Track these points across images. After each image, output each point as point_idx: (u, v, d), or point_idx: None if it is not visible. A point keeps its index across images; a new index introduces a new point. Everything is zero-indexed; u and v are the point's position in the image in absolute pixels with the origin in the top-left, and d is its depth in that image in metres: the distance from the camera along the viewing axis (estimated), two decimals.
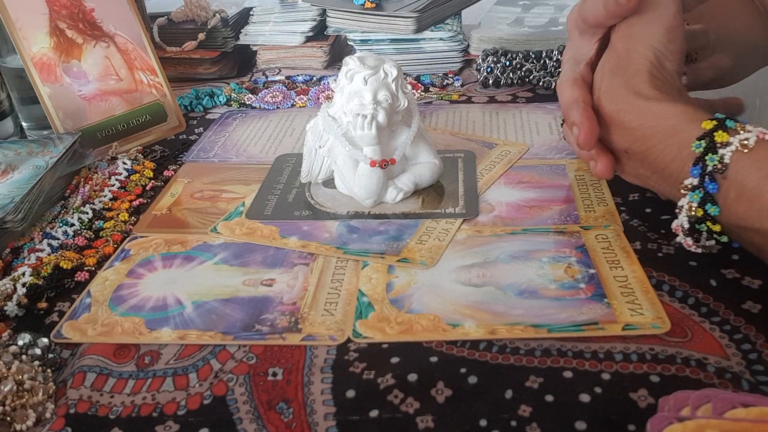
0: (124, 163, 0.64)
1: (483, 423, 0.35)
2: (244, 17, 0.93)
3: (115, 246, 0.52)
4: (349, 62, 0.53)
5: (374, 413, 0.36)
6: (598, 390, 0.36)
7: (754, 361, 0.37)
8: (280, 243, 0.51)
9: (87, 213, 0.57)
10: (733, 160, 0.41)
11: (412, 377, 0.38)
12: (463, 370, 0.38)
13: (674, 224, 0.45)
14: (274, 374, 0.39)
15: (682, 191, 0.43)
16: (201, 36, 0.88)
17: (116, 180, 0.61)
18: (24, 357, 0.40)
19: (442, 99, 0.76)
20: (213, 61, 0.88)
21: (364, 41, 0.86)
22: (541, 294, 0.44)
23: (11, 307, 0.46)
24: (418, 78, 0.81)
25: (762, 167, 0.40)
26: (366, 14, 0.84)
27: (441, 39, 0.84)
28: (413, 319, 0.42)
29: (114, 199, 0.59)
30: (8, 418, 0.36)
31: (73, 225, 0.55)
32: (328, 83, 0.81)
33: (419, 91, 0.78)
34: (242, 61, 0.92)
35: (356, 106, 0.52)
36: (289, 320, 0.43)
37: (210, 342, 0.42)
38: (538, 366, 0.38)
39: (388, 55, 0.71)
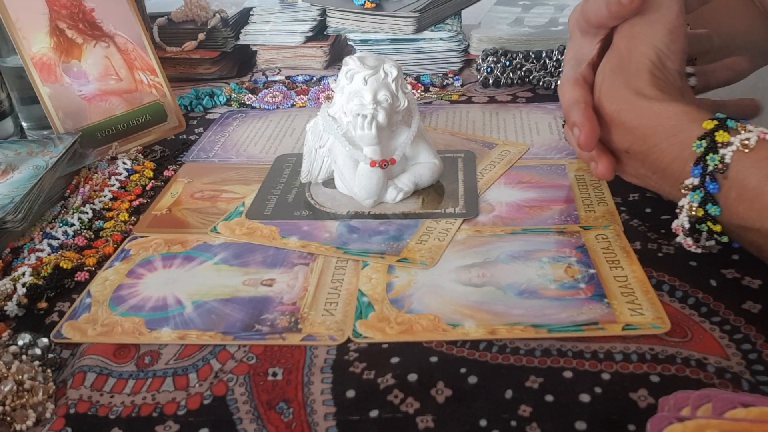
0: (124, 163, 0.64)
1: (483, 423, 0.35)
2: (244, 17, 0.93)
3: (115, 246, 0.52)
4: (349, 62, 0.53)
5: (374, 413, 0.36)
6: (598, 390, 0.36)
7: (754, 361, 0.37)
8: (280, 243, 0.51)
9: (87, 213, 0.57)
10: (734, 160, 0.41)
11: (412, 377, 0.38)
12: (463, 370, 0.38)
13: (674, 224, 0.45)
14: (274, 374, 0.39)
15: (683, 191, 0.43)
16: (201, 36, 0.88)
17: (116, 180, 0.61)
18: (24, 357, 0.40)
19: (442, 99, 0.76)
20: (213, 61, 0.88)
21: (364, 41, 0.86)
22: (541, 294, 0.44)
23: (11, 307, 0.46)
24: (418, 78, 0.81)
25: (763, 167, 0.40)
26: (366, 14, 0.84)
27: (441, 39, 0.84)
28: (413, 319, 0.42)
29: (114, 199, 0.59)
30: (8, 418, 0.36)
31: (73, 225, 0.55)
32: (328, 83, 0.81)
33: (419, 91, 0.78)
34: (242, 61, 0.92)
35: (356, 106, 0.52)
36: (289, 320, 0.43)
37: (210, 342, 0.42)
38: (538, 366, 0.38)
39: (388, 55, 0.71)
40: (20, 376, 0.38)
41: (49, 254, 0.51)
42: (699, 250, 0.45)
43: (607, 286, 0.44)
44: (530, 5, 0.97)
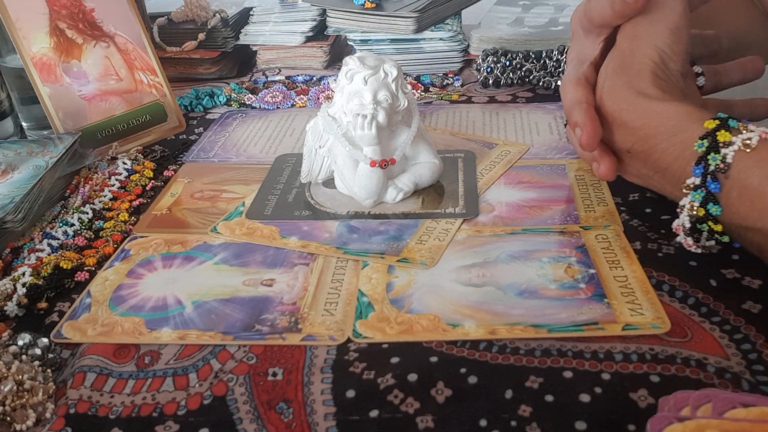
0: (124, 163, 0.64)
1: (483, 423, 0.35)
2: (244, 17, 0.93)
3: (115, 246, 0.52)
4: (349, 62, 0.53)
5: (374, 413, 0.36)
6: (598, 390, 0.36)
7: (754, 361, 0.37)
8: (280, 243, 0.51)
9: (87, 213, 0.57)
10: (736, 160, 0.41)
11: (412, 377, 0.38)
12: (463, 370, 0.38)
13: (675, 224, 0.45)
14: (274, 374, 0.39)
15: (684, 191, 0.43)
16: (201, 36, 0.88)
17: (116, 180, 0.61)
18: (24, 357, 0.40)
19: (442, 99, 0.76)
20: (213, 61, 0.88)
21: (364, 41, 0.86)
22: (541, 294, 0.44)
23: (11, 307, 0.46)
24: (418, 78, 0.81)
25: (764, 167, 0.40)
26: (366, 14, 0.84)
27: (441, 39, 0.84)
28: (413, 319, 0.42)
29: (114, 199, 0.59)
30: (8, 418, 0.36)
31: (73, 225, 0.55)
32: (328, 83, 0.81)
33: (419, 91, 0.78)
34: (242, 61, 0.92)
35: (356, 106, 0.52)
36: (289, 320, 0.43)
37: (210, 342, 0.42)
38: (538, 366, 0.38)
39: (388, 55, 0.71)
40: (20, 376, 0.38)
41: (49, 254, 0.51)
42: (699, 250, 0.45)
43: (607, 286, 0.44)
44: (530, 5, 0.97)
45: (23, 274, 0.48)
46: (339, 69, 0.54)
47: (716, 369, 0.37)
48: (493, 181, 0.57)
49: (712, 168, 0.42)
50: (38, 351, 0.41)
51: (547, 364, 0.38)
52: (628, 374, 0.37)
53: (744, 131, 0.41)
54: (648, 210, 0.52)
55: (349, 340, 0.41)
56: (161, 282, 0.48)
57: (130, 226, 0.55)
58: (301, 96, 0.78)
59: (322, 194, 0.57)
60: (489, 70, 0.78)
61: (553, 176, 0.58)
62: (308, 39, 0.89)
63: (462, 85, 0.80)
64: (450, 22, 0.85)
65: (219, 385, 0.39)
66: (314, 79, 0.84)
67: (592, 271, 0.45)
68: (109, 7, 0.69)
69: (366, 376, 0.38)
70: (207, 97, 0.79)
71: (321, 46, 0.89)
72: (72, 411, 0.37)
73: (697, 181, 0.43)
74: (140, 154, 0.66)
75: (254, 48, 0.91)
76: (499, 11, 0.95)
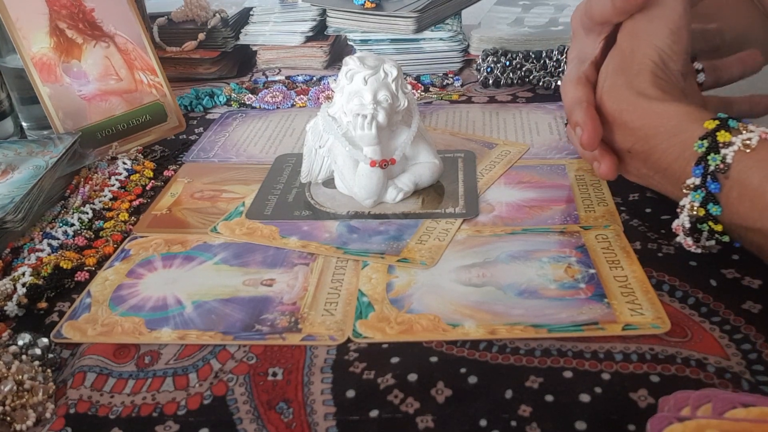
0: (124, 163, 0.64)
1: (483, 423, 0.35)
2: (244, 17, 0.93)
3: (115, 246, 0.52)
4: (349, 62, 0.53)
5: (374, 413, 0.36)
6: (598, 390, 0.36)
7: (754, 361, 0.37)
8: (280, 243, 0.51)
9: (87, 213, 0.57)
10: (736, 160, 0.41)
11: (412, 377, 0.38)
12: (463, 370, 0.38)
13: (675, 224, 0.45)
14: (274, 374, 0.39)
15: (684, 191, 0.43)
16: (201, 36, 0.88)
17: (116, 180, 0.61)
18: (24, 357, 0.40)
19: (442, 99, 0.76)
20: (213, 61, 0.88)
21: (364, 41, 0.86)
22: (541, 294, 0.44)
23: (11, 307, 0.46)
24: (418, 78, 0.81)
25: (764, 167, 0.40)
26: (366, 14, 0.84)
27: (441, 39, 0.84)
28: (413, 319, 0.42)
29: (114, 199, 0.59)
30: (8, 418, 0.36)
31: (73, 225, 0.55)
32: (328, 83, 0.81)
33: (419, 91, 0.78)
34: (242, 61, 0.92)
35: (356, 106, 0.52)
36: (289, 320, 0.43)
37: (210, 342, 0.42)
38: (538, 366, 0.38)
39: (388, 55, 0.71)
40: (20, 376, 0.38)
41: (49, 254, 0.51)
42: (699, 250, 0.45)
43: (607, 286, 0.44)
44: (530, 5, 0.97)
45: (23, 274, 0.48)
46: (339, 69, 0.54)
47: (716, 369, 0.37)
48: (493, 181, 0.57)
49: (712, 168, 0.42)
50: (38, 351, 0.41)
51: (547, 364, 0.38)
52: (628, 374, 0.37)
53: (744, 131, 0.41)
54: (648, 210, 0.52)
55: (349, 340, 0.41)
56: (161, 282, 0.48)
57: (130, 226, 0.55)
58: (301, 96, 0.78)
59: (322, 194, 0.57)
60: (489, 70, 0.78)
61: (553, 176, 0.58)
62: (308, 39, 0.89)
63: (462, 85, 0.80)
64: (450, 22, 0.85)
65: (219, 385, 0.39)
66: (314, 79, 0.84)
67: (592, 271, 0.45)
68: (109, 7, 0.69)
69: (366, 376, 0.38)
70: (207, 97, 0.79)
71: (321, 46, 0.89)
72: (72, 411, 0.37)
73: (697, 181, 0.43)
74: (140, 154, 0.66)
75: (254, 48, 0.91)
76: (499, 11, 0.95)
